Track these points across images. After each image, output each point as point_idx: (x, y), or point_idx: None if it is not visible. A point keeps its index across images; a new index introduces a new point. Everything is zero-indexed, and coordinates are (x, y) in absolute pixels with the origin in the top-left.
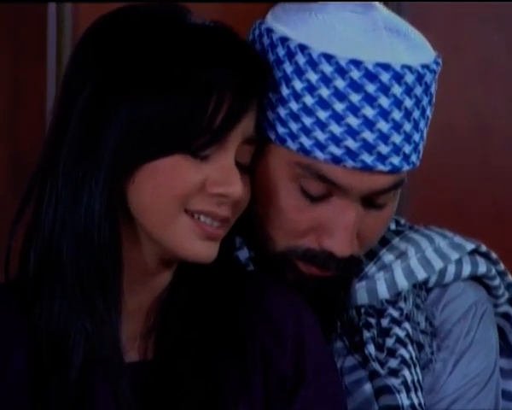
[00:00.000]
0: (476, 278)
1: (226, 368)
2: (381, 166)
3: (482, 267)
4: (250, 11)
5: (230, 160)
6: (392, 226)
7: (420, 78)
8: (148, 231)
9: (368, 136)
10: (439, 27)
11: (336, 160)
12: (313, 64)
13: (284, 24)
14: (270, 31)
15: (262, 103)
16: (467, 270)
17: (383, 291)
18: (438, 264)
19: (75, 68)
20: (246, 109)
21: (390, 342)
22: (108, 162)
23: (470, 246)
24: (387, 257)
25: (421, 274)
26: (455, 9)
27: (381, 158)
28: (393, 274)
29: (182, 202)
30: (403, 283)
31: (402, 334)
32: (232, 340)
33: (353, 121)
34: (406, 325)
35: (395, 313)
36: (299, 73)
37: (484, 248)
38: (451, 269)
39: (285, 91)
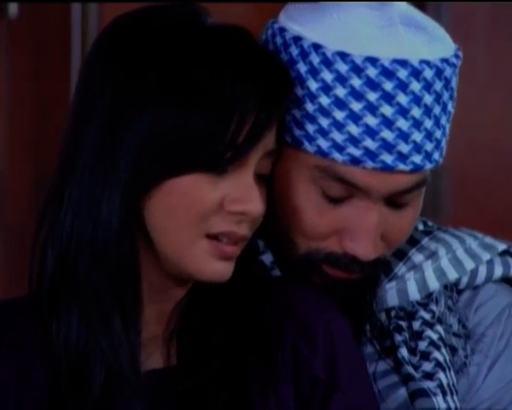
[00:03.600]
0: (508, 280)
1: (253, 370)
2: (402, 166)
3: None
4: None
5: (250, 176)
6: (420, 227)
7: (439, 72)
8: (163, 250)
9: (387, 135)
10: (479, 37)
11: (355, 161)
12: (328, 63)
13: (297, 23)
14: (282, 30)
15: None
16: (498, 271)
17: (414, 292)
18: (469, 264)
19: (90, 75)
20: (269, 124)
21: (423, 345)
22: (126, 179)
23: (501, 246)
24: (417, 257)
25: (452, 275)
26: (495, 18)
27: (402, 157)
28: (424, 275)
29: (200, 223)
30: (434, 283)
31: (435, 337)
32: (258, 342)
33: (371, 121)
34: (438, 327)
35: (427, 316)
36: (314, 72)
37: None
38: (483, 270)
39: (300, 92)
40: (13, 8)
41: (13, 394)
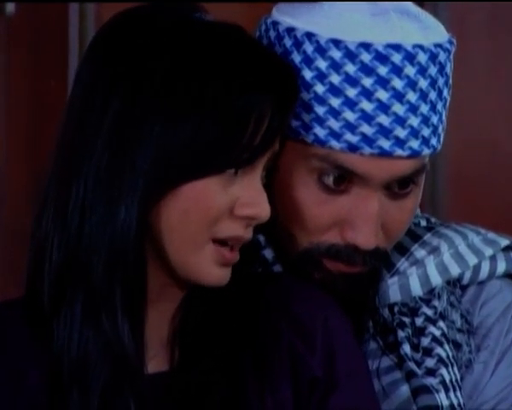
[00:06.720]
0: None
1: (249, 371)
2: (399, 151)
3: None
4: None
5: (258, 180)
6: (423, 223)
7: (433, 57)
8: (170, 255)
9: (383, 120)
10: (475, 38)
11: (353, 147)
12: (322, 51)
13: (289, 15)
14: (276, 23)
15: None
16: (501, 267)
17: (416, 288)
18: (472, 260)
19: (93, 76)
20: (282, 126)
21: (425, 341)
22: (144, 184)
23: (504, 242)
24: (420, 253)
25: (454, 270)
26: (493, 17)
27: (399, 142)
28: (426, 270)
29: (210, 227)
30: (436, 279)
31: (437, 333)
32: (254, 343)
33: (367, 106)
34: (441, 323)
35: (429, 312)
36: (308, 61)
37: None
38: (486, 265)
39: None
40: (10, 7)
41: (5, 397)
